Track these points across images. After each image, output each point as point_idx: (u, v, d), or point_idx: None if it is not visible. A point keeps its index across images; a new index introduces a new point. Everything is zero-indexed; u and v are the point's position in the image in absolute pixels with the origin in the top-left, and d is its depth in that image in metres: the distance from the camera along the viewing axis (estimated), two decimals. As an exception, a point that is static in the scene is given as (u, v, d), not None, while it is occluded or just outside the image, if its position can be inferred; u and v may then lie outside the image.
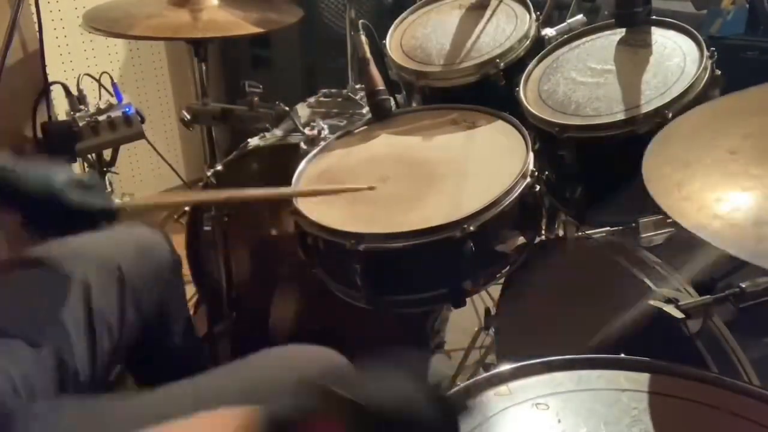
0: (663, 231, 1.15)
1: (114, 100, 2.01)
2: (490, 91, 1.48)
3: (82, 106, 2.00)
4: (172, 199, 1.04)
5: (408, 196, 1.26)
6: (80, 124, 1.93)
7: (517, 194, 1.20)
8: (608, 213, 1.30)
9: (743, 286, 0.96)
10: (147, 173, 3.06)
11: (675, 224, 0.79)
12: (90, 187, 1.04)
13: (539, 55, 1.45)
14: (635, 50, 1.34)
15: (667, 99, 1.18)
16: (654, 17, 1.34)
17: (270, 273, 1.75)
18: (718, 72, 1.22)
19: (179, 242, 1.90)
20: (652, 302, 1.02)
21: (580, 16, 1.52)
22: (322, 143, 1.46)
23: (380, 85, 1.46)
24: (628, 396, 0.76)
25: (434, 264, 1.19)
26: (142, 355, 1.20)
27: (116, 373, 1.19)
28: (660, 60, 1.28)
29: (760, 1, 2.19)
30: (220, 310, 1.83)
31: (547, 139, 1.31)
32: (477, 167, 1.31)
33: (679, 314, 0.98)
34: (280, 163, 1.56)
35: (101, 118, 1.95)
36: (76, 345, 1.02)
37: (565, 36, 1.47)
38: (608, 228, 1.19)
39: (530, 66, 1.43)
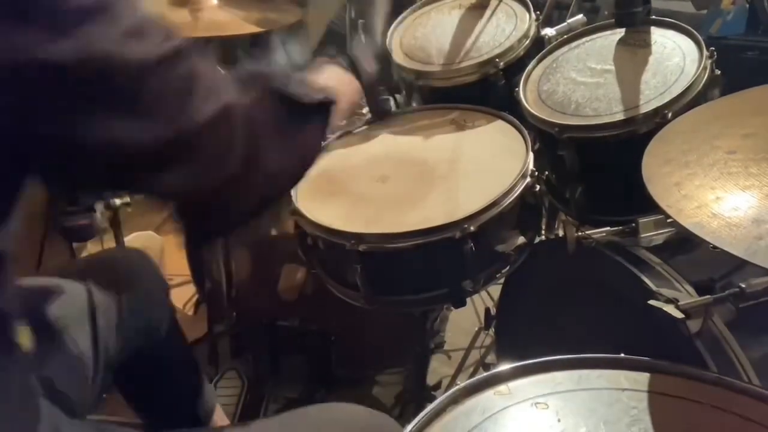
0: (663, 231, 1.15)
1: (114, 100, 2.01)
2: (490, 91, 1.48)
3: (82, 106, 2.00)
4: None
5: (408, 196, 1.26)
6: (80, 124, 1.93)
7: (517, 194, 1.20)
8: (608, 213, 1.30)
9: (743, 286, 0.96)
10: (147, 173, 3.05)
11: (675, 224, 0.79)
12: None
13: (539, 55, 1.44)
14: (635, 50, 1.33)
15: (666, 99, 1.18)
16: (654, 17, 1.34)
17: (270, 273, 1.75)
18: (718, 72, 1.22)
19: (179, 242, 1.90)
20: (652, 302, 1.02)
21: (580, 16, 1.52)
22: (322, 143, 1.46)
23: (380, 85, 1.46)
24: (628, 396, 0.76)
25: (434, 264, 1.19)
26: (135, 375, 1.21)
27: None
28: (659, 60, 1.27)
29: (760, 1, 2.20)
30: (220, 310, 1.83)
31: (546, 139, 1.31)
32: (477, 167, 1.31)
33: (679, 314, 0.98)
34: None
35: (101, 118, 1.95)
36: (81, 364, 1.02)
37: (565, 36, 1.47)
38: (608, 228, 1.18)
39: (530, 66, 1.43)
